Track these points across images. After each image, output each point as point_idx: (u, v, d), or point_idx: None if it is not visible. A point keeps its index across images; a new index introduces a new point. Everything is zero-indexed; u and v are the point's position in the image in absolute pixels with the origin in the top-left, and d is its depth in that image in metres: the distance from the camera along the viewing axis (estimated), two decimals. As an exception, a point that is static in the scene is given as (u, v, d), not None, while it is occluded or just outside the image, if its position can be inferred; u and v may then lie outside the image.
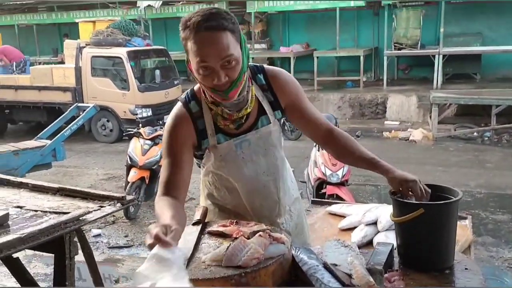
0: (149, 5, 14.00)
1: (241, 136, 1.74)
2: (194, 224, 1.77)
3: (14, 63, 12.27)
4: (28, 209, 2.27)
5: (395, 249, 1.67)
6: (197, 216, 1.82)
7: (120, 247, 5.29)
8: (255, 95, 1.72)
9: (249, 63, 1.70)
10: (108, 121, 10.60)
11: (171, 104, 10.80)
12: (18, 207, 2.31)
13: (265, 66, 1.81)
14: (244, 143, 1.75)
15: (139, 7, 14.11)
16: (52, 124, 7.82)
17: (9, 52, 12.59)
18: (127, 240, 5.49)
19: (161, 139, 6.49)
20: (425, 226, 1.55)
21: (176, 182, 1.66)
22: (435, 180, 4.61)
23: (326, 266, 1.48)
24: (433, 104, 9.66)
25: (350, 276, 1.45)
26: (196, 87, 1.76)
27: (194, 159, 1.82)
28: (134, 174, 6.14)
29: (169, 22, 16.22)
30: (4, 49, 12.78)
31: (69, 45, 11.36)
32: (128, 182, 6.12)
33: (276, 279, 1.45)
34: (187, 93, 1.78)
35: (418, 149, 9.19)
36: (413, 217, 1.53)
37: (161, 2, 13.89)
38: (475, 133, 9.62)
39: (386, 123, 11.09)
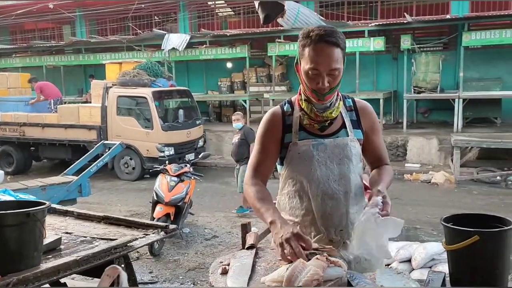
0: (173, 48, 14.44)
1: (320, 139, 1.94)
2: (247, 248, 1.80)
3: (52, 100, 12.65)
4: (76, 235, 2.33)
5: (447, 277, 1.69)
6: (250, 241, 1.86)
7: (145, 283, 5.28)
8: (341, 109, 1.99)
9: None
10: (131, 159, 10.77)
11: (193, 143, 11.00)
12: (66, 233, 2.37)
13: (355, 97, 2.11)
14: (321, 146, 1.93)
15: (163, 49, 14.57)
16: (78, 161, 7.98)
17: (47, 88, 12.95)
18: (152, 276, 5.48)
19: (187, 177, 6.60)
20: (479, 254, 1.57)
21: (262, 168, 2.00)
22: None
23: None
24: (454, 147, 9.65)
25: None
26: (293, 97, 2.05)
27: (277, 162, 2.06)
28: (160, 210, 6.19)
29: (191, 64, 16.71)
30: (43, 85, 13.14)
31: (96, 85, 11.73)
32: (154, 218, 6.15)
33: (334, 302, 1.48)
34: (285, 100, 2.08)
35: (440, 191, 9.12)
36: (467, 245, 1.56)
37: (185, 45, 14.32)
38: (498, 177, 9.52)
39: (406, 165, 11.07)
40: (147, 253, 6.01)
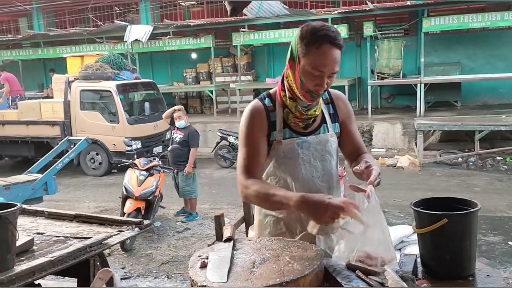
0: (136, 40, 14.18)
1: (303, 137, 1.93)
2: (225, 241, 1.82)
3: (10, 97, 12.22)
4: (49, 235, 2.30)
5: (418, 258, 1.76)
6: (227, 233, 1.88)
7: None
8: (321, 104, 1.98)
9: None
10: (97, 154, 10.57)
11: (160, 136, 10.88)
12: (38, 233, 2.33)
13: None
14: (305, 144, 1.93)
15: (126, 41, 14.28)
16: (42, 158, 7.77)
17: (13, 82, 12.45)
18: (125, 272, 5.43)
19: (156, 170, 6.54)
20: (448, 236, 1.64)
21: (255, 167, 1.90)
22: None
23: (358, 275, 1.56)
24: (418, 131, 9.91)
25: (382, 284, 1.53)
26: (271, 90, 2.00)
27: None
28: (130, 205, 6.13)
29: (155, 55, 16.46)
30: (10, 77, 12.62)
31: (58, 79, 11.42)
32: (124, 213, 6.09)
33: (313, 289, 1.52)
34: (262, 94, 2.02)
35: (406, 175, 9.37)
36: (436, 227, 1.62)
37: (148, 36, 14.09)
38: (459, 159, 9.86)
39: (373, 150, 11.30)
40: (118, 249, 5.95)
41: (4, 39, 16.78)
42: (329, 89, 2.04)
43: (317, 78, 1.80)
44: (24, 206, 2.71)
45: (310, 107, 1.90)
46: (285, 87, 1.91)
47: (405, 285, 1.46)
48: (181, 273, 5.27)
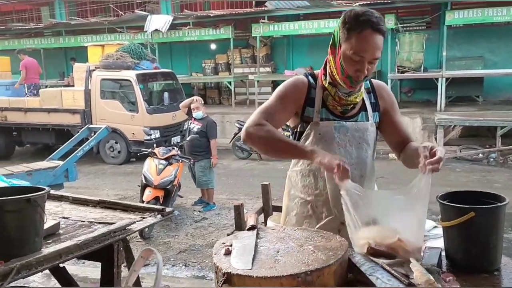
0: (156, 30, 14.23)
1: (342, 121, 1.92)
2: (249, 229, 1.83)
3: (26, 85, 12.38)
4: (74, 220, 2.34)
5: (443, 252, 1.74)
6: (251, 222, 1.89)
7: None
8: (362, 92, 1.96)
9: None
10: (116, 143, 10.69)
11: (178, 126, 10.95)
12: (64, 218, 2.37)
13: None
14: (342, 129, 1.92)
15: (146, 31, 14.34)
16: (63, 145, 7.92)
17: (30, 69, 12.51)
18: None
19: (175, 159, 6.59)
20: (475, 229, 1.62)
21: (272, 120, 1.86)
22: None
23: (383, 267, 1.55)
24: (438, 126, 9.81)
25: (407, 276, 1.52)
26: (315, 72, 2.00)
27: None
28: (149, 194, 6.20)
29: (175, 46, 16.50)
30: (29, 64, 12.58)
31: (79, 68, 11.53)
32: (143, 201, 6.16)
33: (337, 279, 1.52)
34: (305, 73, 2.03)
35: (424, 170, 9.25)
36: (463, 221, 1.61)
37: (168, 26, 14.12)
38: (480, 155, 9.72)
39: (391, 145, 11.18)
40: (137, 236, 6.02)
41: (26, 27, 17.00)
42: (372, 79, 2.03)
43: (358, 64, 1.78)
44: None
45: (351, 94, 1.89)
46: (327, 72, 1.91)
47: (431, 277, 1.45)
48: (199, 262, 5.33)
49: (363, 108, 1.97)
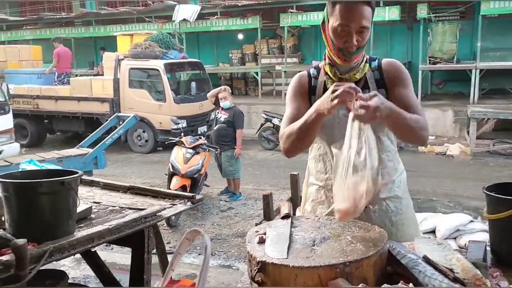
0: (184, 19, 14.26)
1: None
2: (283, 218, 1.78)
3: (57, 73, 12.57)
4: (105, 205, 2.33)
5: (488, 246, 1.66)
6: (284, 210, 1.83)
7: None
8: (366, 70, 1.91)
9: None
10: (144, 131, 10.78)
11: (205, 116, 10.96)
12: (95, 202, 2.37)
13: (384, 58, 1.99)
14: (342, 110, 1.82)
15: (174, 21, 14.38)
16: (93, 133, 8.02)
17: (62, 59, 12.59)
18: (170, 247, 5.53)
19: (202, 149, 6.59)
20: (524, 223, 1.53)
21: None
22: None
23: (426, 260, 1.48)
24: (471, 119, 9.53)
25: (451, 271, 1.44)
26: (320, 63, 2.00)
27: None
28: (176, 182, 6.22)
29: (202, 35, 16.52)
30: (62, 53, 12.63)
31: (108, 57, 11.66)
32: (170, 190, 6.18)
33: (376, 271, 1.46)
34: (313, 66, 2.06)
35: (455, 164, 9.05)
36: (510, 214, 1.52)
37: (196, 16, 14.13)
38: (514, 149, 9.43)
39: (421, 137, 10.95)
40: (164, 224, 6.06)
41: (57, 17, 17.28)
42: (384, 59, 1.96)
43: (345, 35, 1.77)
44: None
45: (350, 70, 1.87)
46: (326, 55, 1.91)
47: (478, 272, 1.38)
48: (225, 251, 5.32)
49: (365, 86, 1.90)
